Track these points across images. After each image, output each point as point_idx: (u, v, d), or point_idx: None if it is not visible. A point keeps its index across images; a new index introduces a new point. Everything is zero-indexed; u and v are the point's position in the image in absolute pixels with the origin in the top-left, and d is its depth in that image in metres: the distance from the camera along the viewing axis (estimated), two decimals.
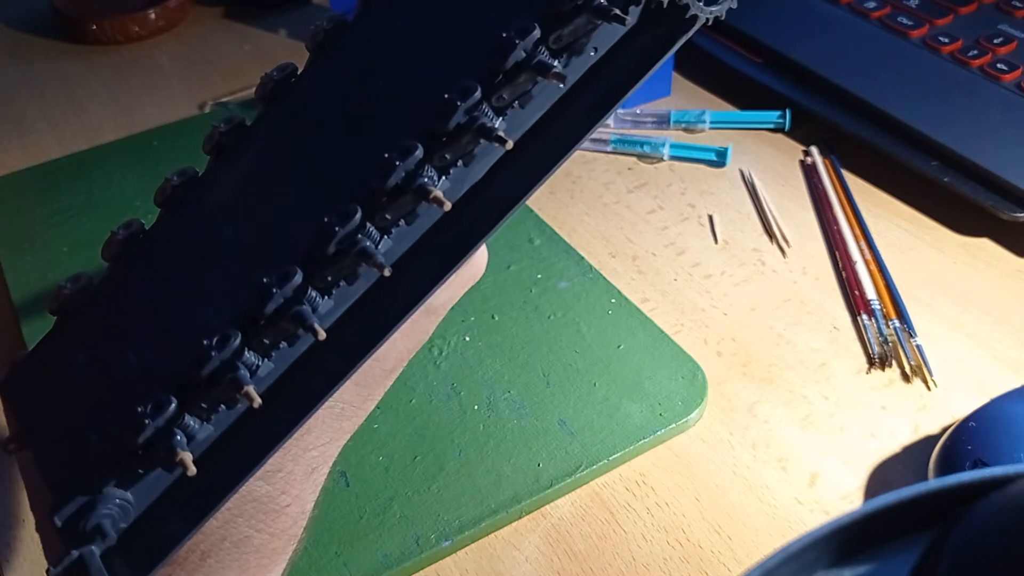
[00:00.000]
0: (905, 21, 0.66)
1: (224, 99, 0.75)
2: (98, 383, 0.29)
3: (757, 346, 0.51)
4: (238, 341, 0.26)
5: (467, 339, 0.51)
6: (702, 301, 0.54)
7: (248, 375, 0.26)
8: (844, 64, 0.64)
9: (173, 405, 0.26)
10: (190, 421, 0.27)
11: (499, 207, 0.27)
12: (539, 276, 0.55)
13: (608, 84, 0.28)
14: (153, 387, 0.27)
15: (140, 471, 0.27)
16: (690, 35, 0.27)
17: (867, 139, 0.61)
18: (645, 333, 0.50)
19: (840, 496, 0.43)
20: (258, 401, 0.26)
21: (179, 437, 0.26)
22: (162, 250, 0.31)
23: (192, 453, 0.26)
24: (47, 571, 0.26)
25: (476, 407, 0.47)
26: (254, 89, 0.32)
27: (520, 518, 0.43)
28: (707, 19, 0.27)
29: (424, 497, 0.43)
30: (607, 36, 0.27)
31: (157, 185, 0.33)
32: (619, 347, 0.50)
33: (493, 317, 0.52)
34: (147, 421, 0.26)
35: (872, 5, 0.68)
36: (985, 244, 0.56)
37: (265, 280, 0.26)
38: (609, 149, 0.66)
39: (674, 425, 0.46)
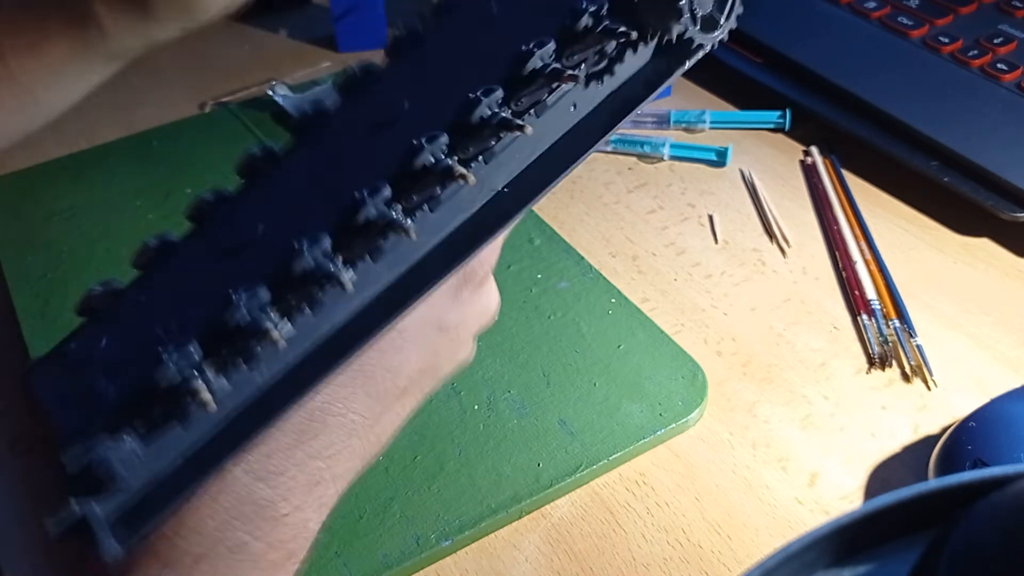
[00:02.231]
0: (905, 21, 0.66)
1: (224, 99, 0.75)
2: (122, 361, 0.30)
3: (757, 346, 0.51)
4: (266, 295, 0.28)
5: None
6: (702, 301, 0.54)
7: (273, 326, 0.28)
8: (844, 64, 0.64)
9: (195, 345, 0.27)
10: (210, 374, 0.27)
11: (530, 191, 0.32)
12: (539, 276, 0.55)
13: (622, 98, 0.33)
14: (176, 340, 0.28)
15: (155, 421, 0.27)
16: (695, 61, 0.33)
17: (867, 139, 0.61)
18: (645, 333, 0.50)
19: (840, 496, 0.43)
20: (283, 343, 0.28)
21: (199, 381, 0.27)
22: (191, 257, 0.32)
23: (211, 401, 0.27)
24: (47, 520, 0.26)
25: (476, 407, 0.47)
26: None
27: (520, 518, 0.43)
28: (712, 45, 0.33)
29: (424, 497, 0.43)
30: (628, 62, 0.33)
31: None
32: (619, 347, 0.50)
33: None
34: (167, 358, 0.27)
35: (872, 5, 0.68)
36: (985, 244, 0.56)
37: (296, 244, 0.28)
38: (609, 149, 0.66)
39: (674, 425, 0.46)
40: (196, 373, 0.27)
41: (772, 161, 0.64)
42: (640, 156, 0.65)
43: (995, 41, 0.63)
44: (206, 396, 0.27)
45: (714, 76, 0.72)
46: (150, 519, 0.27)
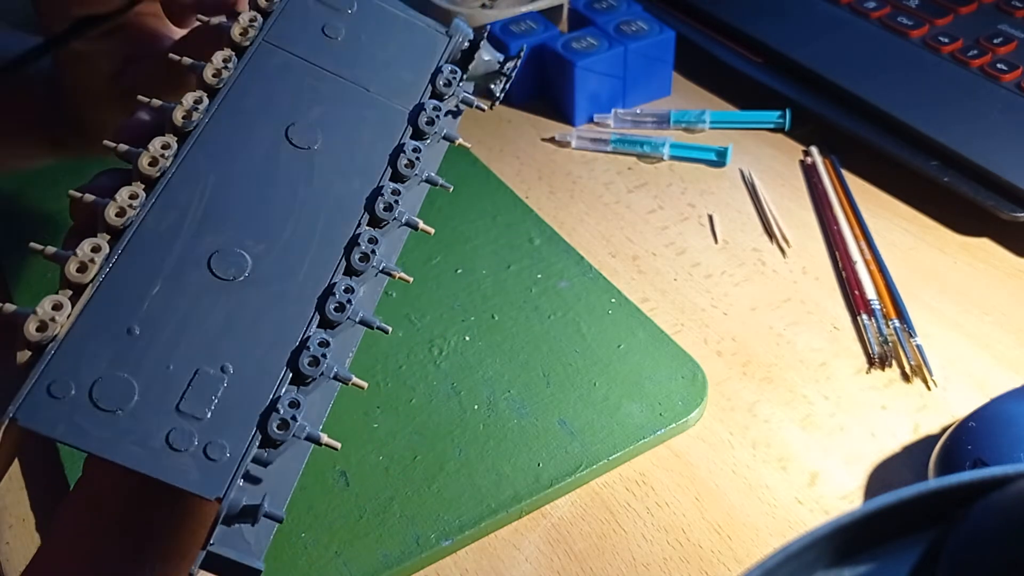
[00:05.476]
0: (905, 21, 0.66)
1: None
2: (167, 393, 0.29)
3: (757, 346, 0.51)
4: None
5: (467, 339, 0.51)
6: (702, 301, 0.54)
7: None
8: (844, 64, 0.64)
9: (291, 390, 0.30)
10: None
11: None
12: (539, 276, 0.55)
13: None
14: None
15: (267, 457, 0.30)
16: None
17: (867, 139, 0.61)
18: (645, 333, 0.50)
19: (840, 496, 0.43)
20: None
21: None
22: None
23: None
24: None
25: (476, 407, 0.47)
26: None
27: (520, 518, 0.43)
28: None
29: (424, 497, 0.43)
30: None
31: None
32: (619, 347, 0.50)
33: (493, 317, 0.52)
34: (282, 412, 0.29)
35: (872, 5, 0.68)
36: (985, 244, 0.56)
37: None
38: (609, 149, 0.66)
39: (674, 425, 0.46)
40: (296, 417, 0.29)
41: (772, 161, 0.64)
42: (640, 156, 0.65)
43: (995, 41, 0.63)
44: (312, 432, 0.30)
45: (714, 76, 0.72)
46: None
